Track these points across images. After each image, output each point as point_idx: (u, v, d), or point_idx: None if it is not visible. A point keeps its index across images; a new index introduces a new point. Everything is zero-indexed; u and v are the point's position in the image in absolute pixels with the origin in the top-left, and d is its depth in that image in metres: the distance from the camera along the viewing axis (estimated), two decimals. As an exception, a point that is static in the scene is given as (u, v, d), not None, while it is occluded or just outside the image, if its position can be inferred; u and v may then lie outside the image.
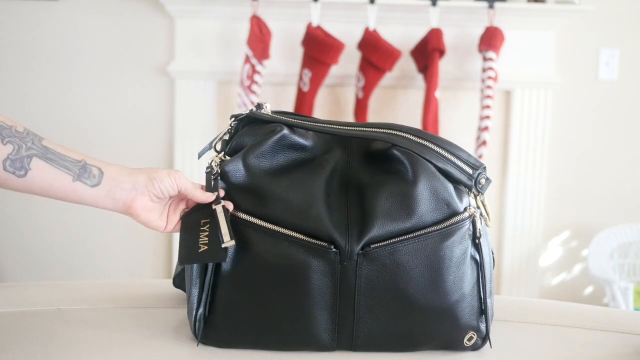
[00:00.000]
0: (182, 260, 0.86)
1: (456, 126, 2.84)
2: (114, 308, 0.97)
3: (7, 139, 0.82)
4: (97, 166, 0.85)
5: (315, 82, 2.62)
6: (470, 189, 0.88)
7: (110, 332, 0.90)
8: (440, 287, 0.84)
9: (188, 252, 0.86)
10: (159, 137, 2.84)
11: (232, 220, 0.85)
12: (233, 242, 0.84)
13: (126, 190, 0.86)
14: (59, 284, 1.06)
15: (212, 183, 0.88)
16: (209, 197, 0.88)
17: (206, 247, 0.85)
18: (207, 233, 0.86)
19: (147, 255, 2.90)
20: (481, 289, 0.87)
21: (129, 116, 2.82)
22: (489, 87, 2.63)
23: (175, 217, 0.91)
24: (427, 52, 2.62)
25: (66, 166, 0.84)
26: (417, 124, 2.63)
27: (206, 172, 0.89)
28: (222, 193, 0.88)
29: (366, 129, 0.89)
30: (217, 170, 0.88)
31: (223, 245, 0.84)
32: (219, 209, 0.86)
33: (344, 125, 0.90)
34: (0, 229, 2.85)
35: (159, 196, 0.88)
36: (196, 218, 0.89)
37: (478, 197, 0.88)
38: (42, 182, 0.84)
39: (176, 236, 2.86)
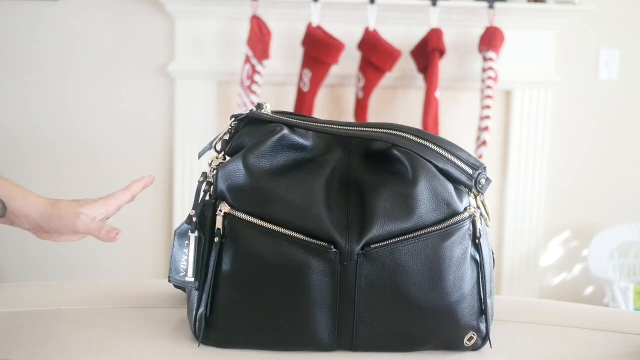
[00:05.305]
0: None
1: (456, 126, 2.84)
2: (114, 308, 0.97)
3: None
4: (2, 200, 0.90)
5: (315, 82, 2.62)
6: (470, 189, 0.88)
7: (110, 332, 0.90)
8: (440, 287, 0.84)
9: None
10: (159, 137, 2.84)
11: (232, 220, 0.85)
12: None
13: (25, 229, 0.93)
14: (59, 284, 1.06)
15: (203, 194, 0.87)
16: (111, 239, 0.89)
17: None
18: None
19: (147, 255, 2.90)
20: (481, 289, 0.87)
21: (129, 116, 2.82)
22: (489, 87, 2.63)
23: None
24: (427, 52, 2.62)
25: None
26: (417, 124, 2.63)
27: (199, 182, 0.89)
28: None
29: (366, 129, 0.89)
30: (211, 181, 0.87)
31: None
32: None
33: (344, 125, 0.90)
34: (0, 229, 2.84)
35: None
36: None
37: (478, 197, 0.88)
38: None
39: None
